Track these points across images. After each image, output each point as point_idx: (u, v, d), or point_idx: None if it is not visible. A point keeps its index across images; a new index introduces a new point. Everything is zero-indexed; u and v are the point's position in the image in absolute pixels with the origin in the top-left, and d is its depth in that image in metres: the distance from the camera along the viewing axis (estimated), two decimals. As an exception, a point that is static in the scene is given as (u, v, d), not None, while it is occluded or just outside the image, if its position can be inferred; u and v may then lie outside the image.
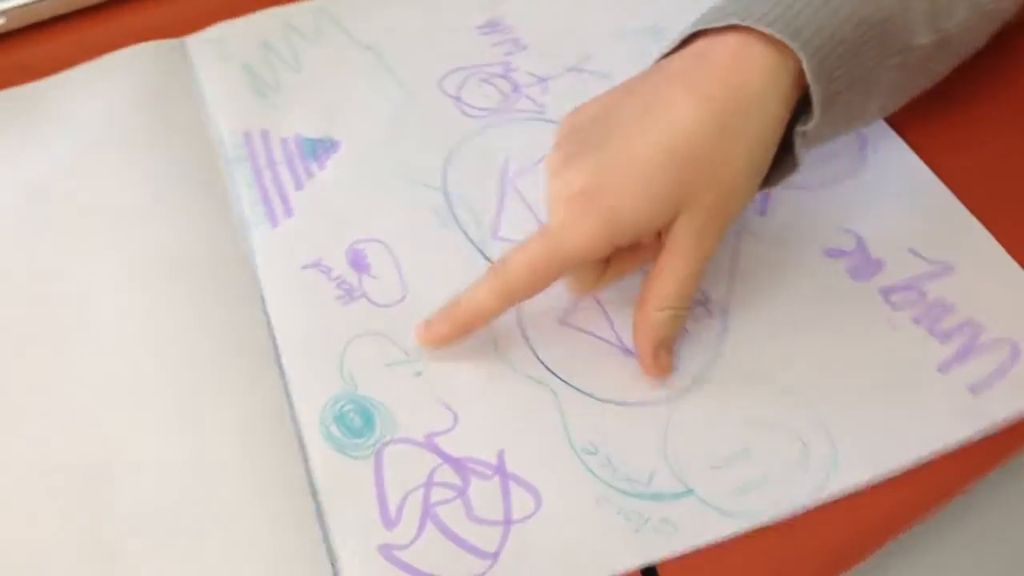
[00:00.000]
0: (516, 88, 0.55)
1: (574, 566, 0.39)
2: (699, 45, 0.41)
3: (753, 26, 0.39)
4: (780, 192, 0.48)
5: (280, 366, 0.45)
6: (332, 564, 0.40)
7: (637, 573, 0.39)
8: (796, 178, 0.44)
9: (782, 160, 0.42)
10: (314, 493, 0.41)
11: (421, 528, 0.40)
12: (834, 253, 0.47)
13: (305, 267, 0.48)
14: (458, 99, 0.55)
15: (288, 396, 0.44)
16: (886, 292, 0.45)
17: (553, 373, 0.44)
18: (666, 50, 0.43)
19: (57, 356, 0.45)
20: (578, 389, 0.44)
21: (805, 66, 0.39)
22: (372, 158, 0.52)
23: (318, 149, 0.53)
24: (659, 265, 0.42)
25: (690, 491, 0.41)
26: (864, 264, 0.46)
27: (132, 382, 0.44)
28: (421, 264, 0.48)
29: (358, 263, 0.48)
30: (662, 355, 0.43)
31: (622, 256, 0.43)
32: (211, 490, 0.41)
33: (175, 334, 0.46)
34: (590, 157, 0.40)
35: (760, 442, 0.42)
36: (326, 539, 0.40)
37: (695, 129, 0.39)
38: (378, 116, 0.54)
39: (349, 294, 0.47)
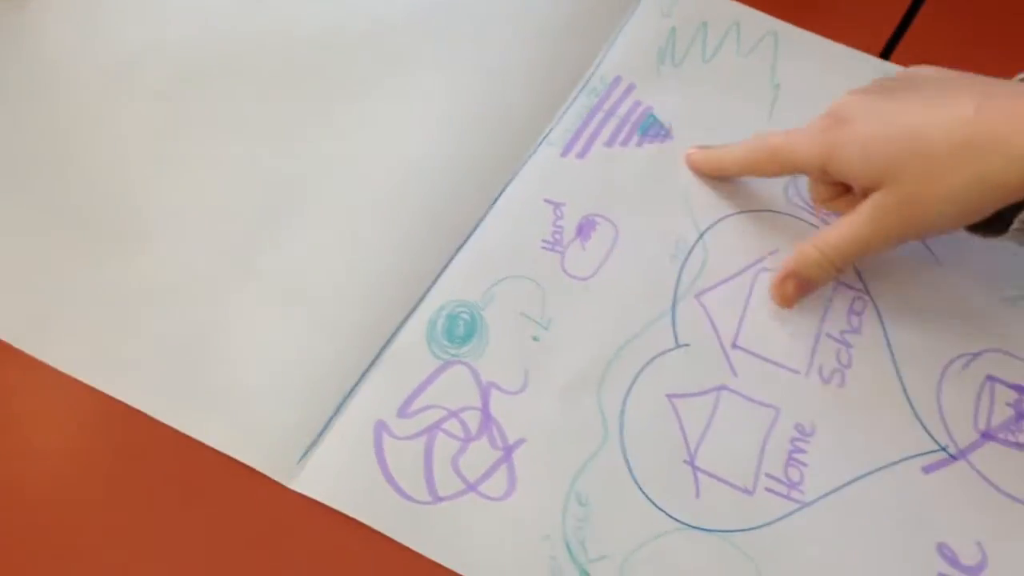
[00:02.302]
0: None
1: (479, 556, 0.42)
2: None
3: None
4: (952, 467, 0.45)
5: (454, 250, 0.49)
6: (342, 401, 0.45)
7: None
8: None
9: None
10: (382, 348, 0.46)
11: (415, 436, 0.44)
12: (945, 552, 0.42)
13: (547, 200, 0.52)
14: (794, 177, 0.54)
15: (439, 273, 0.49)
16: None
17: (621, 424, 0.45)
18: None
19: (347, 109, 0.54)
20: (625, 452, 0.44)
21: None
22: (678, 167, 0.54)
23: (652, 129, 0.56)
24: (840, 218, 0.46)
25: (612, 594, 0.41)
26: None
27: (373, 158, 0.53)
28: (624, 268, 0.50)
29: (584, 229, 0.51)
30: (789, 284, 0.47)
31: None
32: (332, 276, 0.49)
33: (425, 159, 0.53)
34: (875, 102, 0.44)
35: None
36: (355, 386, 0.45)
37: (944, 136, 0.41)
38: (718, 140, 0.55)
39: (553, 245, 0.50)
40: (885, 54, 0.60)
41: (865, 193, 0.45)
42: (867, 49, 0.61)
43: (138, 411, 0.44)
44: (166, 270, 0.47)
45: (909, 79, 0.46)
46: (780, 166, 0.48)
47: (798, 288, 0.48)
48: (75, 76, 0.54)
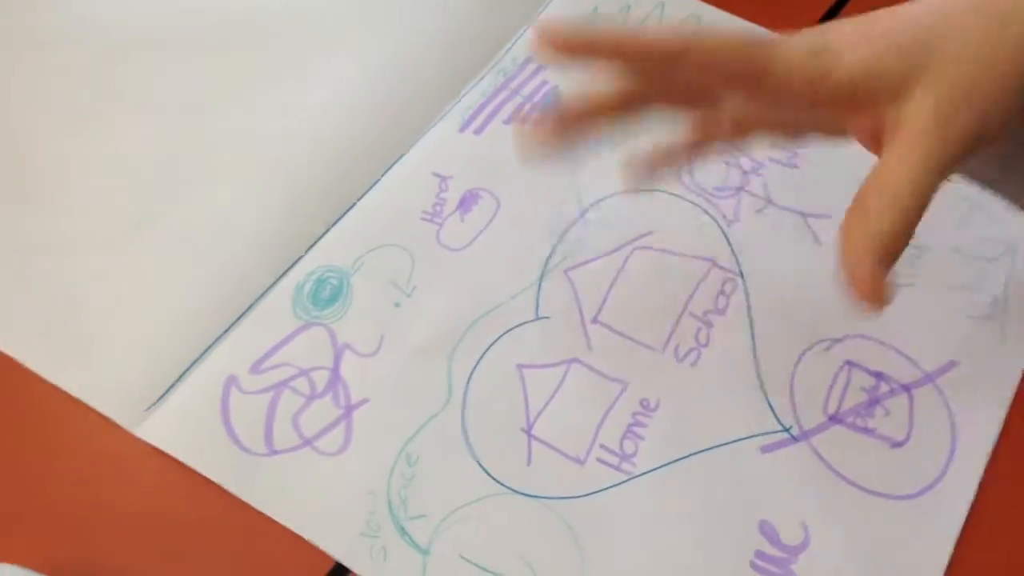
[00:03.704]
0: (742, 188, 0.53)
1: (301, 507, 0.43)
2: None
3: None
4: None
5: (337, 218, 0.51)
6: (200, 355, 0.47)
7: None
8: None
9: None
10: (248, 307, 0.48)
11: (262, 391, 0.46)
12: (766, 530, 0.42)
13: (435, 173, 0.53)
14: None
15: (318, 239, 0.50)
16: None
17: (465, 390, 0.46)
18: None
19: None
20: (464, 417, 0.45)
21: None
22: (574, 144, 0.54)
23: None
24: (883, 159, 0.33)
25: (426, 552, 0.42)
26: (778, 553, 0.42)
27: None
28: (499, 241, 0.51)
29: (466, 202, 0.52)
30: (879, 271, 0.32)
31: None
32: (210, 237, 0.51)
33: (324, 131, 0.55)
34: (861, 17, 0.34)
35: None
36: (216, 341, 0.47)
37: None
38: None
39: (433, 216, 0.52)
40: (809, 40, 0.59)
41: (872, 114, 0.34)
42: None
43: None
44: (50, 223, 0.50)
45: None
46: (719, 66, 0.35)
47: (887, 266, 0.33)
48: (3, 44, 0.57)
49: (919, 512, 0.42)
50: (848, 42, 0.33)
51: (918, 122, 0.32)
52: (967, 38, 0.31)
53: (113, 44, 0.58)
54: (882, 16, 0.34)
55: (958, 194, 0.50)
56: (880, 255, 0.32)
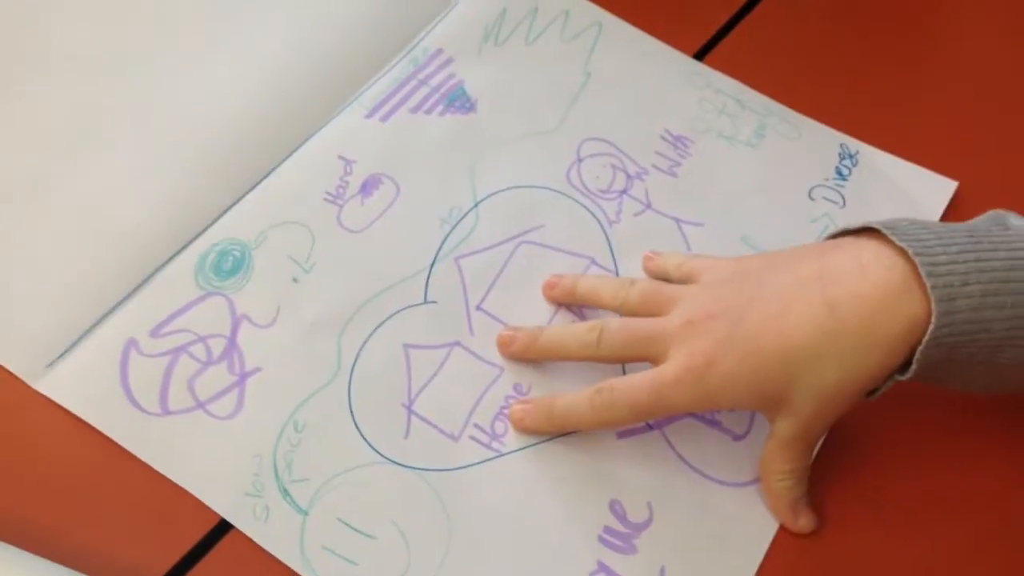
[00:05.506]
0: (625, 191, 0.58)
1: (191, 466, 0.46)
2: (867, 253, 0.43)
3: (919, 267, 0.41)
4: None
5: (243, 193, 0.54)
6: (103, 316, 0.49)
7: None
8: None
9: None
10: (152, 273, 0.51)
11: (160, 355, 0.49)
12: (616, 508, 0.47)
13: (341, 156, 0.56)
14: (579, 161, 0.58)
15: (223, 211, 0.53)
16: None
17: (353, 365, 0.49)
18: (836, 232, 0.47)
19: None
20: (350, 389, 0.49)
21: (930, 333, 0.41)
22: (473, 139, 0.58)
23: (458, 100, 0.60)
24: (769, 448, 0.46)
25: (305, 513, 0.45)
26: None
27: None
28: (395, 226, 0.55)
29: (367, 186, 0.55)
30: (800, 513, 0.47)
31: None
32: (119, 202, 0.53)
33: (235, 106, 0.57)
34: (722, 329, 0.44)
35: (385, 541, 0.45)
36: (119, 304, 0.50)
37: (814, 341, 0.43)
38: (518, 119, 0.59)
39: (335, 198, 0.55)
40: (700, 56, 0.64)
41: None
42: (688, 49, 0.64)
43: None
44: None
45: (731, 283, 0.47)
46: (654, 418, 0.50)
47: (805, 508, 0.48)
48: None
49: (750, 498, 0.48)
50: (720, 389, 0.45)
51: (784, 438, 0.45)
52: (815, 381, 0.43)
53: (23, 3, 0.59)
54: (748, 350, 0.44)
55: None
56: (791, 507, 0.47)
